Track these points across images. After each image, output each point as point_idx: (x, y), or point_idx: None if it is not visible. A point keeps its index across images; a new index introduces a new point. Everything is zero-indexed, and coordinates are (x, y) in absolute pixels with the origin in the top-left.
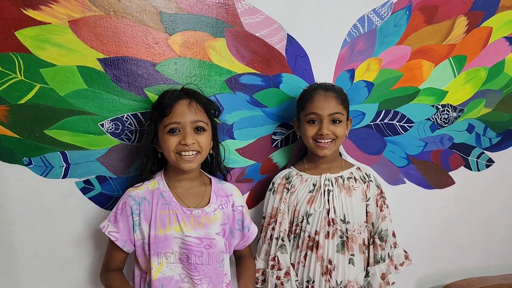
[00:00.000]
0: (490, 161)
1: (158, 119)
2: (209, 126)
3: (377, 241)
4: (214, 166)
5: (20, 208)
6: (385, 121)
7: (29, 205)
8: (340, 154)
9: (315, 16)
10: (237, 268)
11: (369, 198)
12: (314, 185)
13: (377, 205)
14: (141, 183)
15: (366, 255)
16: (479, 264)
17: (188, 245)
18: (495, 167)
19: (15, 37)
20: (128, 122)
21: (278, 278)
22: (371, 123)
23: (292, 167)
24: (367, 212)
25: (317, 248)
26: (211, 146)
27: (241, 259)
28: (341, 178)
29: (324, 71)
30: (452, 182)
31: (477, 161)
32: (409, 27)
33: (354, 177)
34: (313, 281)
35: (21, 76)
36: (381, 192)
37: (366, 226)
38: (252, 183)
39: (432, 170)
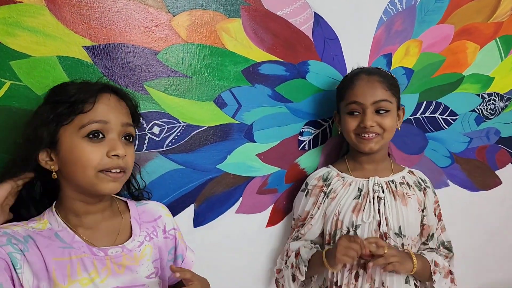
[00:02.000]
0: None
1: (65, 118)
2: (135, 135)
3: (443, 251)
4: (131, 191)
5: None
6: (426, 114)
7: None
8: (388, 154)
9: None
10: None
11: (425, 208)
12: (360, 190)
13: (435, 215)
14: (15, 225)
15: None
16: None
17: None
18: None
19: None
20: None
21: (292, 266)
22: (411, 117)
23: (330, 165)
24: (423, 224)
25: (366, 271)
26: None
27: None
28: (393, 183)
29: (357, 57)
30: (499, 182)
31: None
32: (452, 2)
33: (407, 182)
34: None
35: None
36: (437, 200)
37: (418, 241)
38: (276, 194)
39: (477, 170)
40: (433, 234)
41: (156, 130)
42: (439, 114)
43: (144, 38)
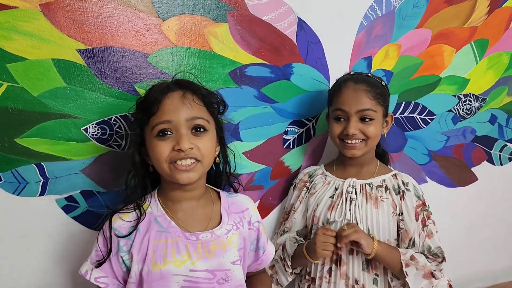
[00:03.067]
0: None
1: (144, 121)
2: (211, 125)
3: (431, 257)
4: (221, 178)
5: None
6: (405, 114)
7: (1, 230)
8: (382, 155)
9: None
10: (249, 285)
11: (401, 213)
12: (336, 189)
13: (416, 219)
14: (127, 209)
15: (389, 281)
16: (503, 266)
17: (195, 282)
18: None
19: None
20: (116, 125)
21: (280, 259)
22: None
23: (321, 165)
24: (400, 229)
25: (340, 264)
26: (217, 153)
27: (252, 277)
28: (369, 186)
29: (339, 60)
30: (475, 179)
31: (500, 154)
32: (429, 8)
33: (386, 186)
34: None
35: None
36: (424, 204)
37: (397, 244)
38: (262, 191)
39: (455, 167)
40: (413, 241)
41: None
42: (417, 114)
43: (135, 42)
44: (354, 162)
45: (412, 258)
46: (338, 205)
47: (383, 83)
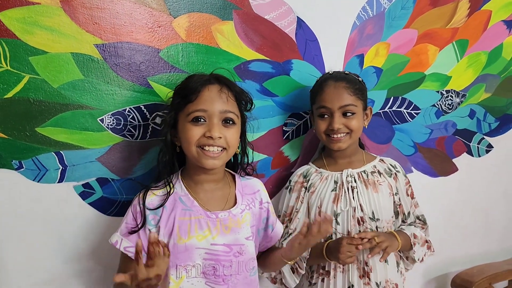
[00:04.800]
0: (489, 146)
1: (180, 106)
2: (239, 119)
3: (419, 223)
4: (239, 167)
5: (10, 219)
6: (394, 108)
7: (21, 215)
8: (362, 146)
9: None
10: (267, 254)
11: (397, 192)
12: (336, 182)
13: (407, 195)
14: (157, 186)
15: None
16: (480, 251)
17: (215, 255)
18: (494, 152)
19: None
20: (130, 116)
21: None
22: (380, 111)
23: (310, 163)
24: (397, 205)
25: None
26: (238, 144)
27: (266, 251)
28: (364, 173)
29: (334, 57)
30: (456, 169)
31: (478, 146)
32: (416, 9)
33: (378, 171)
34: (353, 286)
35: (7, 65)
36: (408, 180)
37: (393, 222)
38: (263, 179)
39: (437, 158)
40: (409, 212)
41: (158, 120)
42: (404, 108)
43: (148, 38)
44: (343, 154)
45: (415, 236)
46: (341, 196)
47: (360, 79)
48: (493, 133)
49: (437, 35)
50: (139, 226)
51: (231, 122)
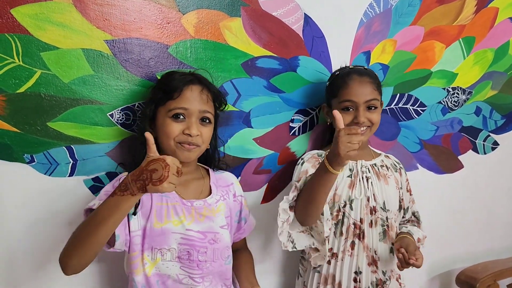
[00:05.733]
0: (495, 144)
1: (162, 101)
2: (213, 118)
3: (414, 219)
4: (211, 162)
5: (22, 212)
6: (400, 105)
7: (32, 208)
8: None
9: None
10: (234, 262)
11: (401, 186)
12: (351, 170)
13: (407, 190)
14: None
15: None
16: (484, 248)
17: (190, 241)
18: (500, 150)
19: (11, 16)
20: (139, 112)
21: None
22: (386, 108)
23: (322, 151)
24: (400, 199)
25: (363, 237)
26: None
27: (237, 252)
28: (375, 166)
29: (340, 53)
30: (461, 166)
31: (483, 144)
32: (423, 6)
33: (386, 165)
34: (360, 272)
35: (19, 61)
36: (407, 177)
37: (398, 215)
38: (270, 175)
39: (443, 155)
40: (407, 208)
41: None
42: (410, 105)
43: (157, 34)
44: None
45: (418, 240)
46: (356, 184)
47: (376, 75)
48: (499, 130)
49: (444, 32)
50: (137, 205)
51: (207, 121)
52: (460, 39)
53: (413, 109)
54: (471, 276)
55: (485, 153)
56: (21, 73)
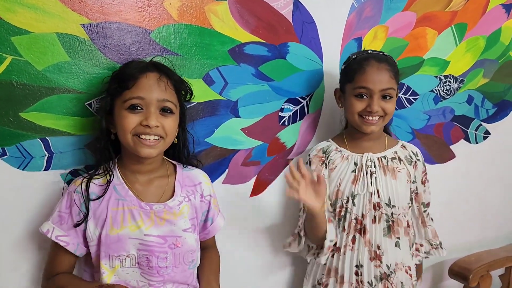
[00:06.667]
0: (487, 133)
1: (117, 92)
2: (177, 109)
3: (425, 215)
4: (180, 158)
5: None
6: None
7: (5, 205)
8: (387, 129)
9: None
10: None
11: (415, 179)
12: (356, 164)
13: (422, 183)
14: (98, 174)
15: (411, 235)
16: (477, 238)
17: (148, 246)
18: (491, 139)
19: None
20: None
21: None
22: None
23: (330, 140)
24: (415, 193)
25: (364, 233)
26: (176, 134)
27: (202, 252)
28: (385, 158)
29: (331, 40)
30: (453, 156)
31: (475, 133)
32: None
33: (399, 157)
34: (362, 266)
35: None
36: (425, 169)
37: (409, 207)
38: (259, 166)
39: (435, 145)
40: (423, 201)
41: None
42: (402, 94)
43: (138, 18)
44: (367, 137)
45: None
46: (360, 179)
47: (395, 62)
48: (490, 119)
49: (436, 18)
50: (85, 218)
51: (169, 111)
52: (452, 26)
53: (405, 98)
54: (464, 267)
55: (476, 143)
56: None
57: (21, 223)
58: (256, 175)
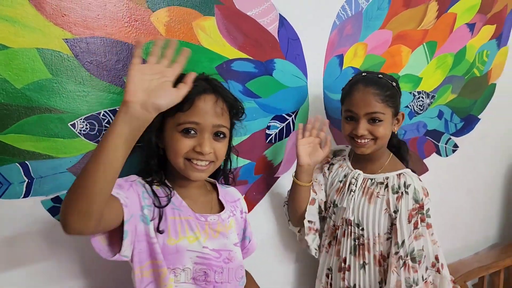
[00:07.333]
0: (455, 146)
1: (170, 112)
2: (229, 130)
3: (409, 262)
4: (222, 174)
5: None
6: None
7: None
8: (403, 149)
9: None
10: None
11: (396, 211)
12: (345, 176)
13: (409, 221)
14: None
15: (384, 269)
16: (448, 248)
17: (206, 259)
18: (459, 152)
19: None
20: (106, 121)
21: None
22: None
23: (347, 146)
24: (393, 225)
25: (336, 243)
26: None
27: None
28: (371, 180)
29: (315, 57)
30: (426, 169)
31: (445, 146)
32: (390, 10)
33: (386, 184)
34: (331, 271)
35: None
36: (421, 207)
37: (387, 239)
38: (246, 185)
39: (411, 159)
40: (403, 242)
41: None
42: None
43: (124, 33)
44: (365, 157)
45: None
46: (342, 191)
47: (394, 83)
48: (458, 133)
49: (410, 37)
50: (168, 198)
51: (222, 136)
52: (424, 44)
53: None
54: None
55: (446, 156)
56: None
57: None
58: (244, 194)
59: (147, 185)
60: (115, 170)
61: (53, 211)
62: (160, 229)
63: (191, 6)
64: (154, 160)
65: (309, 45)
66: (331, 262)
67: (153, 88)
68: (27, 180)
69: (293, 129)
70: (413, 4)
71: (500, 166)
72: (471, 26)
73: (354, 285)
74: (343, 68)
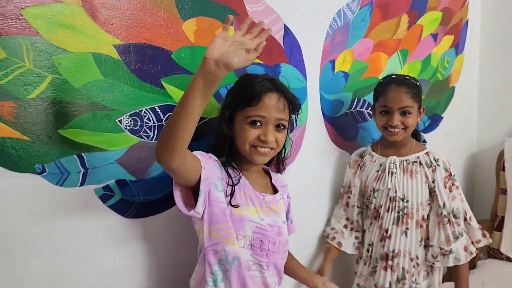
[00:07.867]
0: (424, 142)
1: (240, 107)
2: (287, 124)
3: (452, 218)
4: (274, 160)
5: (32, 227)
6: (357, 109)
7: (43, 223)
8: (418, 135)
9: (305, 7)
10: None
11: (434, 180)
12: (381, 165)
13: (445, 187)
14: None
15: (424, 229)
16: None
17: (264, 230)
18: (428, 146)
19: (21, 17)
20: (146, 117)
21: (356, 238)
22: (348, 111)
23: (368, 146)
24: (434, 192)
25: (378, 219)
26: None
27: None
28: (406, 161)
29: (312, 62)
30: None
31: None
32: (372, 22)
33: (420, 162)
34: (372, 244)
35: (30, 64)
36: (450, 175)
37: (428, 204)
38: None
39: None
40: (443, 204)
41: None
42: (365, 109)
43: (162, 39)
44: (395, 143)
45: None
46: (382, 177)
47: (418, 83)
48: (426, 130)
49: (387, 45)
50: (240, 177)
51: (282, 127)
52: (398, 51)
53: (367, 112)
54: None
55: None
56: (32, 77)
57: (59, 239)
58: None
59: (221, 164)
60: (193, 118)
61: (104, 198)
62: (233, 203)
63: (215, 16)
64: (226, 146)
65: (307, 52)
66: (373, 236)
67: (229, 51)
68: (83, 170)
69: (296, 126)
70: (389, 17)
71: (460, 159)
72: (435, 36)
73: (393, 250)
74: (334, 72)
